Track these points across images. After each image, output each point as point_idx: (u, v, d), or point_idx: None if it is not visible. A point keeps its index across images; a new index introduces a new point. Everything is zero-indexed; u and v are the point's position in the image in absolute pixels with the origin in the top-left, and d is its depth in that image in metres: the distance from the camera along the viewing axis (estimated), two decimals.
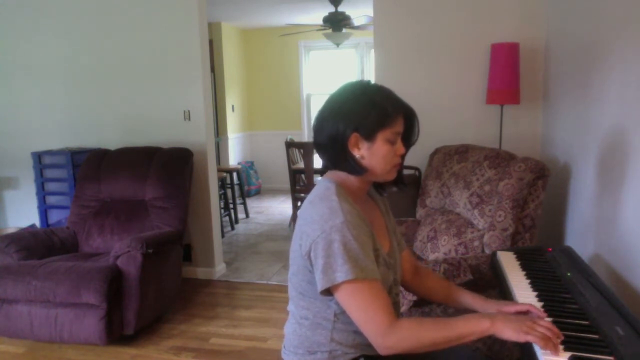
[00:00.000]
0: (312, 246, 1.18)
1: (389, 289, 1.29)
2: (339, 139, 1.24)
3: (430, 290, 1.48)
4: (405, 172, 2.99)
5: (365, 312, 1.16)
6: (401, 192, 2.86)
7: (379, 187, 1.43)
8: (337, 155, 1.26)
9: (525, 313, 1.25)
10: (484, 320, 1.13)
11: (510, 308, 1.26)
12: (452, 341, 1.14)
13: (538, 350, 1.08)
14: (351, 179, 1.29)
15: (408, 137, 1.31)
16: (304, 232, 1.22)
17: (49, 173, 3.73)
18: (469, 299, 1.39)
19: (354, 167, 1.25)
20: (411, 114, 1.29)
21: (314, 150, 1.38)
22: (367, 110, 1.23)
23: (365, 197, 1.38)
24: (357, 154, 1.25)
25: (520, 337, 1.09)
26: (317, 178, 5.11)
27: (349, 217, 1.17)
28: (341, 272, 1.14)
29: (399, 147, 1.27)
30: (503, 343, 1.46)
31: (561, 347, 1.09)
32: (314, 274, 1.21)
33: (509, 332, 1.10)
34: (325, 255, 1.16)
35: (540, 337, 1.07)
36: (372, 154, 1.24)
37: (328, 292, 1.19)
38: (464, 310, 1.99)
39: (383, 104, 1.23)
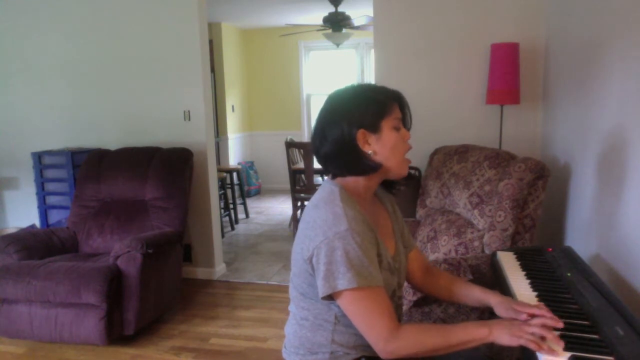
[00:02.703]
0: (315, 251, 1.17)
1: (392, 293, 1.29)
2: (346, 140, 1.23)
3: (443, 290, 1.47)
4: None
5: (367, 318, 1.16)
6: (401, 192, 2.86)
7: (389, 186, 1.42)
8: (349, 158, 1.24)
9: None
10: (482, 329, 1.14)
11: (525, 308, 1.22)
12: (452, 347, 1.15)
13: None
14: (358, 181, 1.28)
15: (404, 122, 1.33)
16: (307, 237, 1.21)
17: (49, 173, 3.73)
18: (482, 295, 1.36)
19: (369, 165, 1.25)
20: (402, 99, 1.32)
21: (318, 160, 1.35)
22: (365, 105, 1.25)
23: (372, 198, 1.37)
24: (368, 150, 1.24)
25: (514, 342, 1.10)
26: (317, 178, 5.11)
27: (353, 224, 1.17)
28: (343, 280, 1.14)
29: (404, 133, 1.29)
30: None
31: (561, 346, 1.09)
32: (314, 277, 1.21)
33: (505, 338, 1.11)
34: (327, 262, 1.15)
35: (531, 340, 1.08)
36: (383, 145, 1.24)
37: (329, 296, 1.19)
38: (465, 310, 1.99)
39: (376, 96, 1.26)
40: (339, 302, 1.18)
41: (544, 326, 1.11)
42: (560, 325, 1.13)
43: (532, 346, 1.07)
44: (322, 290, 1.17)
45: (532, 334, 1.09)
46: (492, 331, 1.13)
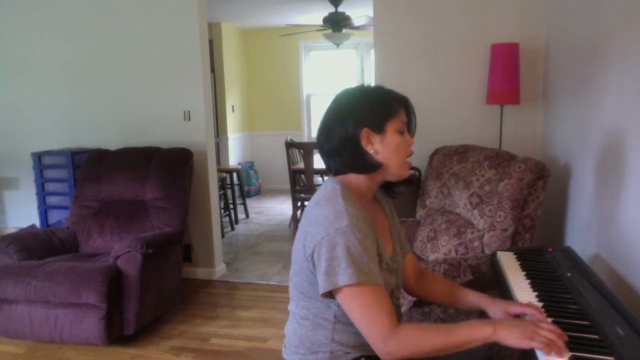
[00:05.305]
0: (316, 248, 1.18)
1: (390, 293, 1.29)
2: (350, 138, 1.25)
3: (435, 294, 1.48)
4: None
5: (366, 316, 1.15)
6: (401, 193, 2.86)
7: (389, 189, 1.42)
8: (352, 155, 1.26)
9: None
10: (486, 327, 1.12)
11: (517, 309, 1.26)
12: (453, 348, 1.13)
13: (539, 351, 1.07)
14: (360, 179, 1.29)
15: (409, 127, 1.34)
16: (309, 233, 1.21)
17: (49, 173, 3.73)
18: (474, 298, 1.38)
19: (370, 164, 1.26)
20: (409, 104, 1.34)
21: (322, 157, 1.37)
22: (372, 105, 1.26)
23: (371, 199, 1.38)
24: (370, 149, 1.26)
25: (525, 344, 1.07)
26: (317, 179, 5.11)
27: (354, 220, 1.17)
28: (344, 276, 1.14)
29: (408, 138, 1.31)
30: None
31: (567, 354, 1.07)
32: (316, 275, 1.21)
33: (513, 339, 1.09)
34: (328, 258, 1.15)
35: (545, 343, 1.06)
36: (385, 146, 1.26)
37: (330, 294, 1.19)
38: (464, 311, 1.99)
39: (384, 98, 1.28)
40: (339, 299, 1.18)
41: (554, 332, 1.09)
42: (565, 338, 1.10)
43: (545, 349, 1.05)
44: (322, 286, 1.17)
45: (545, 337, 1.07)
46: (497, 330, 1.10)
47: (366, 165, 1.26)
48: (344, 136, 1.25)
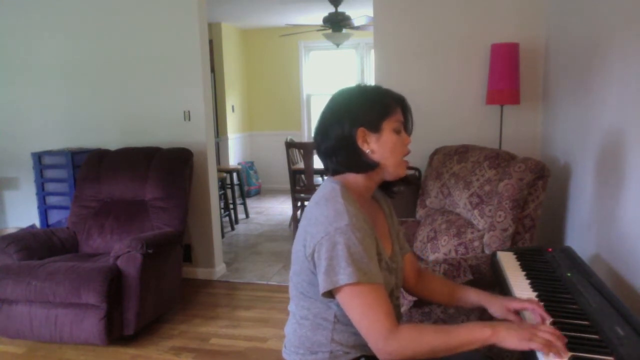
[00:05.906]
0: (316, 247, 1.18)
1: (390, 293, 1.29)
2: (346, 137, 1.25)
3: (435, 293, 1.48)
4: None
5: (366, 316, 1.15)
6: (401, 192, 2.86)
7: (388, 189, 1.43)
8: (349, 155, 1.26)
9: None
10: (485, 329, 1.12)
11: (516, 304, 1.28)
12: (452, 349, 1.13)
13: (539, 352, 1.07)
14: (358, 179, 1.29)
15: (405, 126, 1.34)
16: (309, 233, 1.22)
17: (49, 173, 3.73)
18: (474, 296, 1.39)
19: (367, 163, 1.26)
20: (405, 103, 1.34)
21: (319, 157, 1.37)
22: (368, 105, 1.27)
23: (370, 199, 1.38)
24: (367, 149, 1.26)
25: (524, 345, 1.07)
26: (317, 179, 5.11)
27: (354, 220, 1.17)
28: (344, 275, 1.14)
29: (405, 136, 1.31)
30: None
31: (567, 355, 1.07)
32: (316, 275, 1.21)
33: (512, 341, 1.09)
34: (328, 257, 1.15)
35: (544, 344, 1.06)
36: (381, 145, 1.26)
37: (330, 294, 1.19)
38: (464, 311, 1.99)
39: (380, 97, 1.29)
40: (339, 298, 1.18)
41: (553, 334, 1.09)
42: (564, 340, 1.09)
43: (544, 350, 1.05)
44: (322, 286, 1.17)
45: (544, 339, 1.07)
46: (495, 333, 1.10)
47: (363, 164, 1.27)
48: (340, 135, 1.25)
